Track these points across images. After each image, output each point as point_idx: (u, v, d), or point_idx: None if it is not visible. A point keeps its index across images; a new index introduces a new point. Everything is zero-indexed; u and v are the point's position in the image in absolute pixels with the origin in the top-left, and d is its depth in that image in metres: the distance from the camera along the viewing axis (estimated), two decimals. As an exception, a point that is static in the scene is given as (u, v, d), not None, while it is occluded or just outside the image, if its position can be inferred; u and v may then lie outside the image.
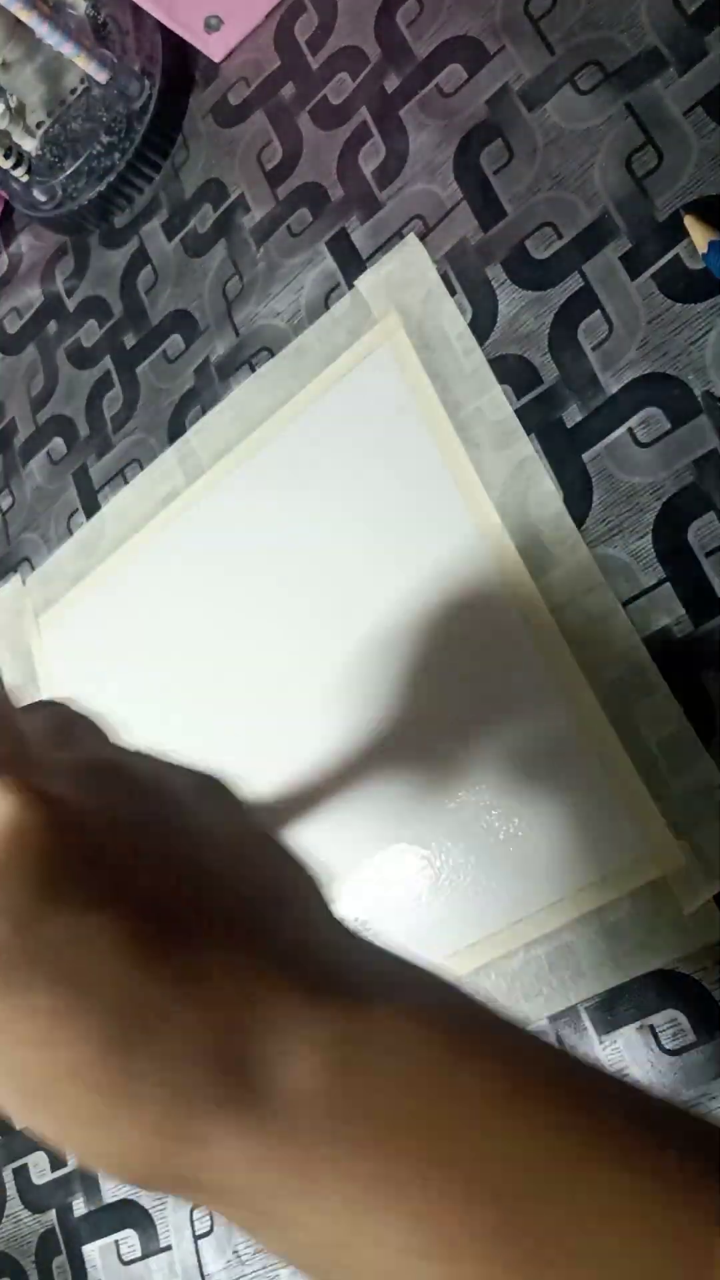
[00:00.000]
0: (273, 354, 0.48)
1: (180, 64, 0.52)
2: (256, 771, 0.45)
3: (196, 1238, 0.45)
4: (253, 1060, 0.15)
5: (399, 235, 0.44)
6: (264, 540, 0.46)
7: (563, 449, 0.39)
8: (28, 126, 0.54)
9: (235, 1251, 0.44)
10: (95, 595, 0.52)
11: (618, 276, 0.39)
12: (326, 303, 0.46)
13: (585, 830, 0.37)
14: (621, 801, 0.36)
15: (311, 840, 0.43)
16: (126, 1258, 0.47)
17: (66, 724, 0.20)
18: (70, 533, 0.55)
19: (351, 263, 0.46)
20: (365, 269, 0.45)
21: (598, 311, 0.39)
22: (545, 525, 0.39)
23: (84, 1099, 0.15)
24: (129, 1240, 0.47)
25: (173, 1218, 0.46)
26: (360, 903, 0.41)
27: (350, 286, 0.45)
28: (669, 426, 0.37)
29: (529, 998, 0.37)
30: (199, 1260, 0.45)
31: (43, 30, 0.47)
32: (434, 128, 0.44)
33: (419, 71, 0.44)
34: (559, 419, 0.39)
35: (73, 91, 0.53)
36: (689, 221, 0.36)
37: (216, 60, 0.51)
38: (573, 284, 0.39)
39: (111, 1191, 0.48)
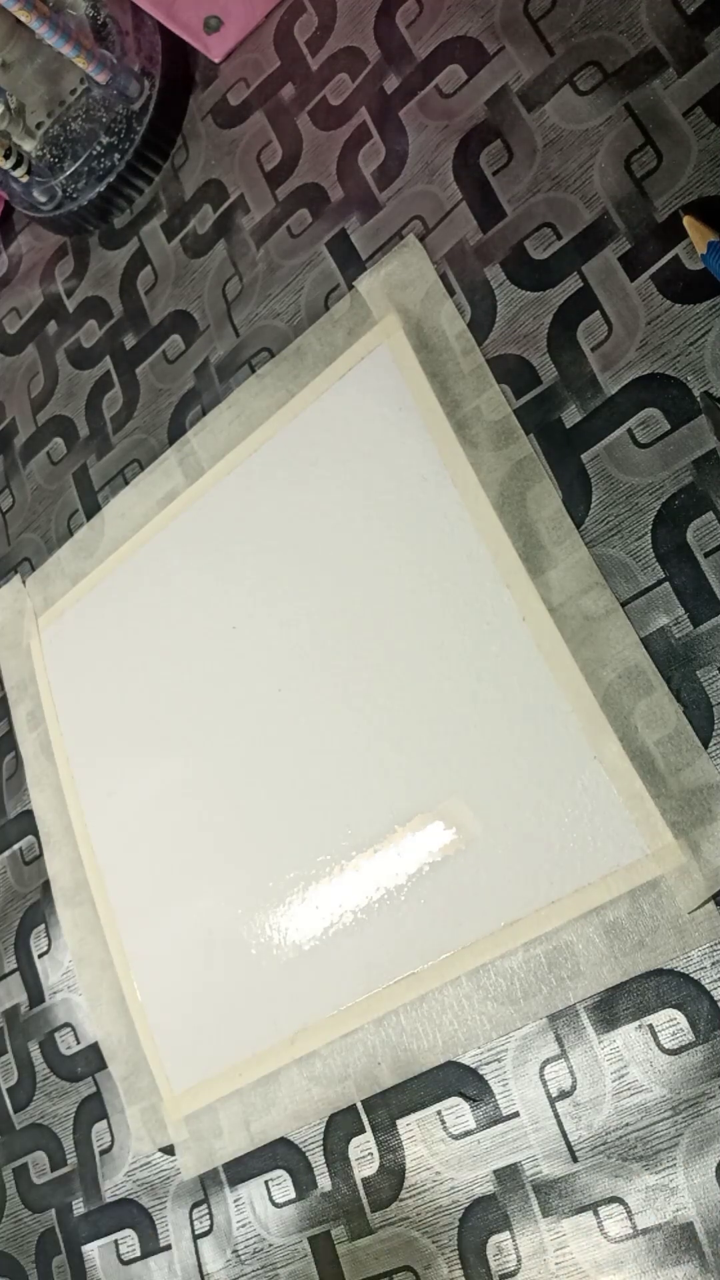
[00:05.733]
0: (272, 354, 0.48)
1: (180, 64, 0.52)
2: (256, 770, 0.45)
3: (196, 1237, 0.45)
4: None
5: (398, 236, 0.44)
6: (263, 540, 0.46)
7: (562, 449, 0.39)
8: (28, 127, 0.54)
9: (235, 1251, 0.44)
10: (95, 595, 0.52)
11: (617, 277, 0.39)
12: (326, 303, 0.46)
13: (584, 829, 0.37)
14: (621, 801, 0.36)
15: (311, 839, 0.43)
16: (126, 1257, 0.47)
17: None
18: (70, 533, 0.55)
19: (351, 263, 0.46)
20: (365, 270, 0.45)
21: (597, 312, 0.39)
22: (544, 525, 0.39)
23: None
24: (128, 1240, 0.47)
25: (172, 1217, 0.46)
26: (359, 902, 0.41)
27: (350, 287, 0.45)
28: (668, 427, 0.37)
29: (528, 997, 0.37)
30: (198, 1260, 0.45)
31: (43, 30, 0.47)
32: (433, 128, 0.44)
33: (418, 72, 0.45)
34: (558, 419, 0.39)
35: (73, 92, 0.53)
36: (688, 222, 0.36)
37: (216, 60, 0.51)
38: (572, 285, 0.40)
39: (111, 1191, 0.48)
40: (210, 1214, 0.45)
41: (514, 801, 0.38)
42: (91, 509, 0.54)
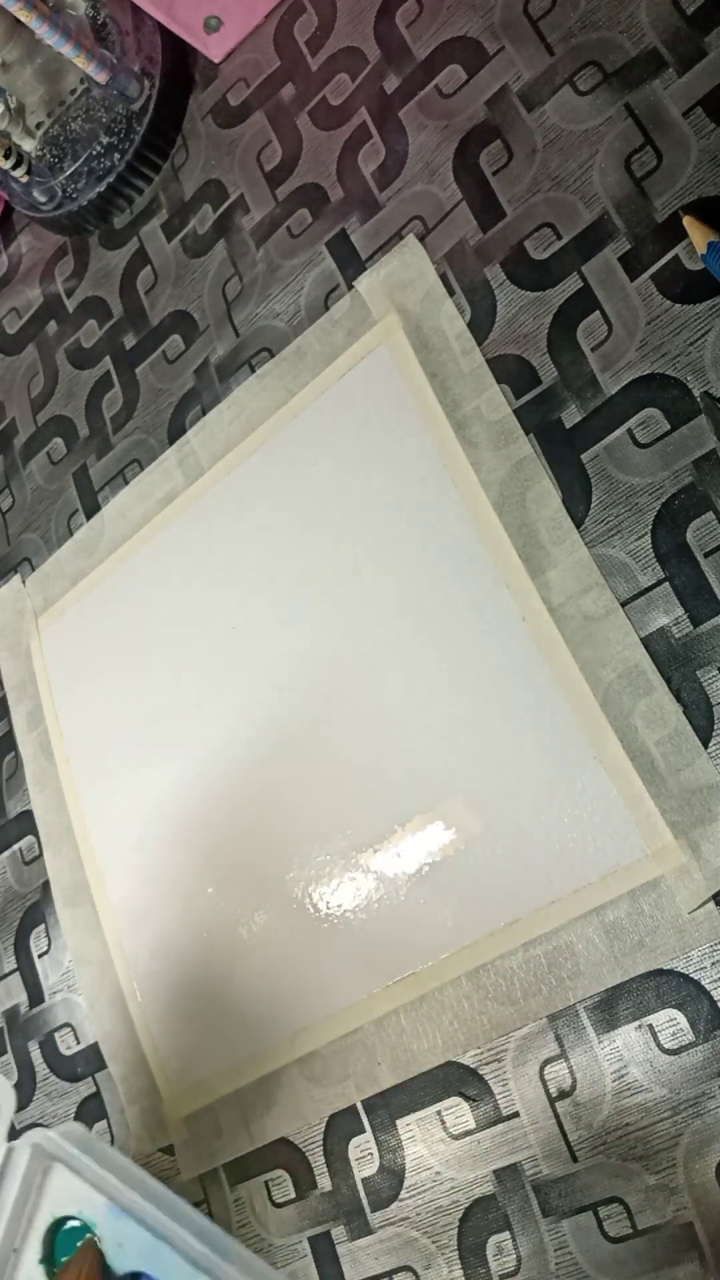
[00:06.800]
0: (272, 354, 0.48)
1: (180, 64, 0.52)
2: (255, 771, 0.45)
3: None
4: None
5: (398, 236, 0.44)
6: (263, 540, 0.46)
7: (561, 449, 0.39)
8: (27, 127, 0.54)
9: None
10: (95, 595, 0.52)
11: (617, 277, 0.39)
12: (326, 303, 0.46)
13: (584, 829, 0.37)
14: (620, 801, 0.36)
15: (311, 840, 0.43)
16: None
17: None
18: (70, 533, 0.55)
19: (351, 264, 0.46)
20: (365, 270, 0.45)
21: (597, 312, 0.39)
22: (543, 525, 0.39)
23: None
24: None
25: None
26: (358, 902, 0.41)
27: (350, 287, 0.45)
28: (668, 427, 0.37)
29: (527, 997, 0.37)
30: (198, 1260, 0.45)
31: (42, 30, 0.47)
32: (433, 128, 0.44)
33: (418, 72, 0.45)
34: (558, 419, 0.39)
35: (72, 92, 0.53)
36: (688, 222, 0.36)
37: (216, 61, 0.51)
38: (572, 285, 0.40)
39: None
40: (210, 1214, 0.45)
41: (514, 801, 0.38)
42: (91, 509, 0.54)
